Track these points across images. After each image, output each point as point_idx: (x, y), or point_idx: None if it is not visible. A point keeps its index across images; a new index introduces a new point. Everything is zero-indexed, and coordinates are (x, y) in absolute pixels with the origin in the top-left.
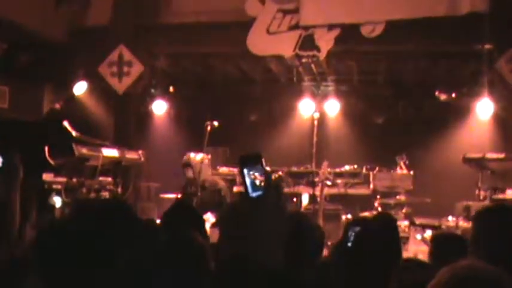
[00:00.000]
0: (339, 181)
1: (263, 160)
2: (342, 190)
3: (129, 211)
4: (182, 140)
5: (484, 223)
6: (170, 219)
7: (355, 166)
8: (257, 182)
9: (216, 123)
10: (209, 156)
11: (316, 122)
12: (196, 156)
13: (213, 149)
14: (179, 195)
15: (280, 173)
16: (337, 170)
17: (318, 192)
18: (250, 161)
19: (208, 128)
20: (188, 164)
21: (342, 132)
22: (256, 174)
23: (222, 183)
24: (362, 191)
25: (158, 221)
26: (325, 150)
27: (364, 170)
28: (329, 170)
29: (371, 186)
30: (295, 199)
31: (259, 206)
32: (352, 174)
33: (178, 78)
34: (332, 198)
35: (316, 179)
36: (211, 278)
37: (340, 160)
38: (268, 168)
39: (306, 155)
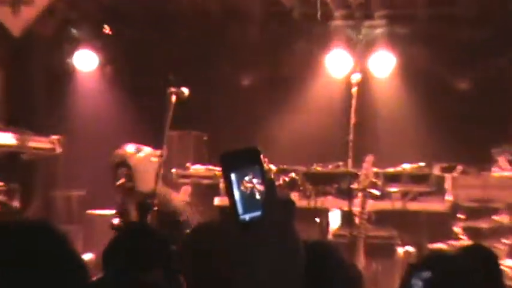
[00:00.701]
0: (392, 189)
1: (262, 158)
2: (399, 204)
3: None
4: (125, 119)
5: None
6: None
7: (421, 164)
8: (253, 195)
9: (185, 91)
10: (164, 151)
11: (355, 90)
12: (137, 151)
13: (181, 135)
14: (114, 222)
15: (293, 174)
16: (390, 170)
17: (356, 208)
18: (241, 160)
19: (173, 98)
20: (123, 164)
21: (398, 107)
22: (252, 181)
23: (178, 203)
24: (433, 205)
25: (87, 256)
26: (369, 138)
27: (436, 171)
28: (376, 170)
29: (448, 197)
30: (318, 219)
31: (256, 235)
32: (416, 178)
33: (118, 11)
34: (381, 217)
35: (355, 186)
36: None
37: (396, 154)
38: (272, 167)
39: (337, 146)
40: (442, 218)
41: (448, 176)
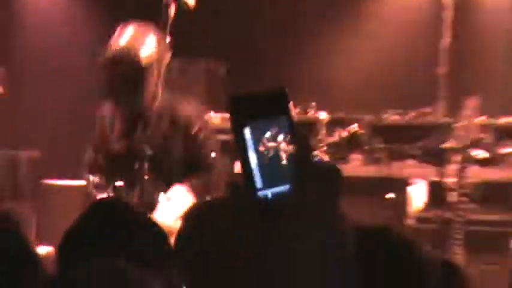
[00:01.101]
0: (508, 150)
1: (291, 104)
2: None
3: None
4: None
5: None
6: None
7: None
8: (277, 159)
9: (192, 1)
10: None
11: None
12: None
13: (184, 66)
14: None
15: (355, 127)
16: (505, 120)
17: (452, 179)
18: (260, 106)
19: (171, 9)
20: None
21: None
22: (276, 139)
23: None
24: None
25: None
26: (472, 70)
27: None
28: (483, 120)
29: None
30: (392, 195)
31: (281, 221)
32: None
33: None
34: (491, 193)
35: (449, 144)
36: None
37: None
38: (322, 116)
39: (422, 83)
40: None
41: None
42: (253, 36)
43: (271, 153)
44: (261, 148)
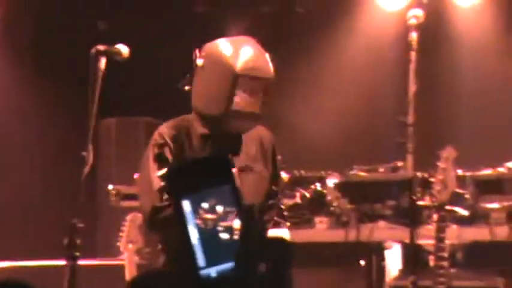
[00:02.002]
0: (491, 206)
1: (234, 171)
2: (503, 232)
3: None
4: (26, 103)
5: None
6: None
7: None
8: (219, 234)
9: (122, 50)
10: (89, 154)
11: (414, 36)
12: None
13: (122, 124)
14: None
15: (318, 186)
16: (486, 172)
17: (429, 241)
18: (200, 176)
19: (101, 62)
20: None
21: (494, 61)
22: (215, 210)
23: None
24: None
25: None
26: (444, 118)
27: None
28: (461, 173)
29: None
30: (362, 262)
31: None
32: None
33: None
34: (474, 255)
35: (425, 202)
36: None
37: (493, 145)
38: (282, 176)
39: (390, 135)
40: None
41: None
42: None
43: (211, 226)
44: (200, 222)
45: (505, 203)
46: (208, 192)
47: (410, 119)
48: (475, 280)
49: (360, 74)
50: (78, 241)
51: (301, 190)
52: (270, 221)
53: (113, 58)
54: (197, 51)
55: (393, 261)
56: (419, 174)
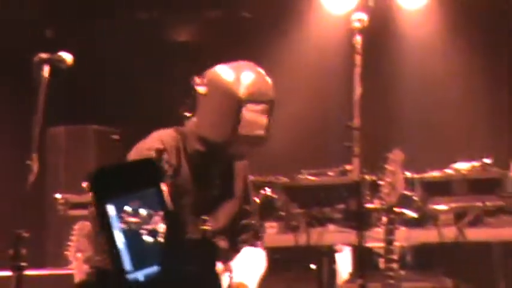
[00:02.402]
0: (440, 207)
1: (163, 175)
2: (451, 233)
3: None
4: None
5: None
6: None
7: (486, 161)
8: (146, 239)
9: (66, 58)
10: (34, 164)
11: (358, 39)
12: None
13: (72, 132)
14: None
15: (267, 191)
16: (434, 174)
17: (378, 243)
18: (125, 180)
19: (44, 71)
20: None
21: (441, 63)
22: (138, 213)
23: None
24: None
25: None
26: (391, 121)
27: None
28: (409, 175)
29: None
30: (313, 266)
31: None
32: (480, 187)
33: None
34: (423, 257)
35: (374, 205)
36: None
37: (440, 147)
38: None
39: (337, 139)
40: None
41: None
42: (150, 95)
43: (134, 229)
44: (123, 225)
45: (453, 204)
46: (132, 196)
47: (356, 122)
48: (424, 281)
49: (309, 78)
50: (23, 251)
51: None
52: (246, 241)
53: (57, 66)
54: (197, 78)
55: (344, 264)
56: (367, 177)
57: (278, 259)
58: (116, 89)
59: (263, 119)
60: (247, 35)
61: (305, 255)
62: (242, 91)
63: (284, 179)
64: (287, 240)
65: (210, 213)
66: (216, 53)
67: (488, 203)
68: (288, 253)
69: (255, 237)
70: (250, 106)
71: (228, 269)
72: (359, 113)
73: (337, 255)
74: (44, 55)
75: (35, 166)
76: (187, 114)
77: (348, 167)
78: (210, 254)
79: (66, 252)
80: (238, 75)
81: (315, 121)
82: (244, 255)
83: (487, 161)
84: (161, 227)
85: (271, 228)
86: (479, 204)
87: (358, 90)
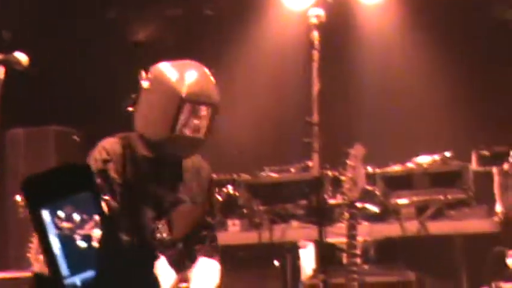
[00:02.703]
0: (401, 201)
1: (95, 178)
2: (413, 227)
3: None
4: None
5: None
6: None
7: (447, 154)
8: (80, 244)
9: (21, 58)
10: None
11: (316, 35)
12: None
13: (31, 133)
14: None
15: (229, 188)
16: (395, 168)
17: (341, 239)
18: (58, 185)
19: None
20: None
21: (400, 57)
22: (71, 218)
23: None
24: (472, 225)
25: None
26: (350, 115)
27: (474, 165)
28: (370, 170)
29: (498, 208)
30: (276, 262)
31: None
32: (441, 180)
33: None
34: (385, 251)
35: (335, 201)
36: None
37: (401, 141)
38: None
39: (296, 135)
40: (489, 244)
41: (495, 172)
42: (109, 95)
43: (68, 234)
44: (58, 230)
45: (414, 198)
46: (66, 201)
47: (315, 118)
48: (387, 275)
49: (268, 75)
50: None
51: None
52: (204, 251)
53: (12, 67)
54: (143, 72)
55: (308, 260)
56: (329, 173)
57: (241, 257)
58: (76, 89)
59: (202, 122)
60: (208, 32)
61: (268, 252)
62: (184, 90)
63: (246, 176)
64: (250, 237)
65: (165, 218)
66: (177, 50)
67: (449, 196)
68: (252, 250)
69: (213, 250)
70: (190, 107)
71: (184, 279)
72: (318, 109)
73: (301, 251)
74: None
75: None
76: (130, 109)
77: (309, 163)
78: (148, 260)
79: (28, 255)
80: (182, 74)
81: (276, 118)
82: (201, 266)
83: (448, 154)
84: (96, 232)
85: (234, 226)
86: (441, 197)
87: (316, 86)
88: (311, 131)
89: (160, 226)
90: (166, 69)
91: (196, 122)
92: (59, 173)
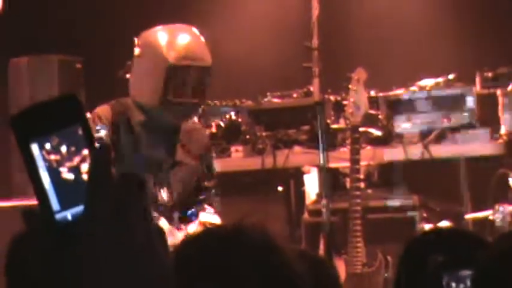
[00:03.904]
0: (404, 126)
1: (84, 111)
2: (417, 151)
3: None
4: None
5: None
6: None
7: (450, 77)
8: (68, 176)
9: None
10: None
11: None
12: None
13: (32, 62)
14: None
15: (232, 115)
16: (397, 92)
17: (344, 163)
18: (47, 118)
19: None
20: None
21: None
22: (58, 150)
23: None
24: (476, 148)
25: None
26: (350, 39)
27: (478, 87)
28: (373, 94)
29: (503, 130)
30: (280, 188)
31: (83, 247)
32: (443, 102)
33: None
34: (389, 175)
35: (338, 125)
36: None
37: (403, 63)
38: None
39: (297, 59)
40: (493, 167)
41: (499, 93)
42: (106, 24)
43: (55, 167)
44: (46, 163)
45: (418, 121)
46: (54, 133)
47: (315, 42)
48: (391, 199)
49: (267, 2)
50: None
51: (215, 120)
52: (203, 201)
53: None
54: (136, 39)
55: (311, 185)
56: (331, 97)
57: (245, 182)
58: (79, 16)
59: (195, 85)
60: None
61: (272, 178)
62: (171, 55)
63: (249, 102)
64: (253, 163)
65: (163, 182)
66: None
67: (453, 119)
68: (255, 176)
69: (210, 201)
70: (181, 71)
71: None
72: (318, 34)
73: (305, 177)
74: None
75: None
76: (127, 76)
77: (311, 88)
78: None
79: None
80: (170, 39)
81: (276, 43)
82: (204, 216)
83: (451, 76)
84: (84, 166)
85: (237, 152)
86: (444, 120)
87: (315, 11)
88: (311, 55)
89: (161, 191)
90: (155, 34)
91: (188, 86)
92: (47, 106)
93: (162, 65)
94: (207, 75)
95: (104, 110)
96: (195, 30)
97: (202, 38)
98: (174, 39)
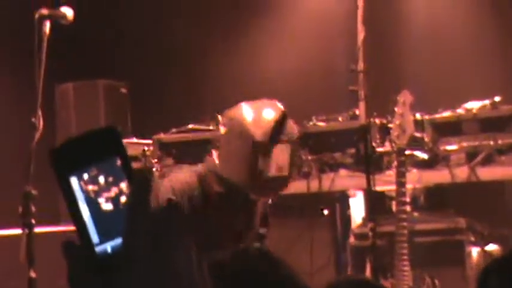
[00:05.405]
0: (451, 148)
1: (123, 143)
2: (463, 174)
3: None
4: None
5: None
6: None
7: (496, 99)
8: (106, 207)
9: (67, 13)
10: (38, 120)
11: None
12: None
13: (79, 87)
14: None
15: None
16: (444, 115)
17: (390, 186)
18: (86, 151)
19: (46, 26)
20: None
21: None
22: (97, 181)
23: None
24: None
25: None
26: (396, 63)
27: None
28: (418, 117)
29: None
30: (325, 211)
31: (119, 277)
32: (491, 125)
33: None
34: (436, 198)
35: (384, 148)
36: None
37: (449, 86)
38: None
39: (341, 83)
40: None
41: None
42: (155, 46)
43: (93, 197)
44: (84, 194)
45: (464, 144)
46: (93, 166)
47: (360, 66)
48: (438, 222)
49: (315, 24)
50: (33, 208)
51: None
52: None
53: (58, 22)
54: (219, 116)
55: (357, 209)
56: (377, 120)
57: (290, 206)
58: (123, 42)
59: (283, 160)
60: None
61: (317, 201)
62: (259, 133)
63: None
64: (299, 186)
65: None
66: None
67: (499, 141)
68: (301, 199)
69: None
70: (269, 148)
71: None
72: (363, 56)
73: (350, 200)
74: (44, 11)
75: (40, 123)
76: (215, 152)
77: (357, 111)
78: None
79: None
80: (258, 115)
81: (322, 66)
82: None
83: (498, 98)
84: (122, 198)
85: None
86: (491, 142)
87: (361, 34)
88: (356, 78)
89: None
90: (240, 111)
91: (276, 161)
92: (86, 139)
93: (249, 143)
94: (295, 145)
95: (180, 182)
96: (279, 104)
97: (285, 112)
98: (261, 115)
